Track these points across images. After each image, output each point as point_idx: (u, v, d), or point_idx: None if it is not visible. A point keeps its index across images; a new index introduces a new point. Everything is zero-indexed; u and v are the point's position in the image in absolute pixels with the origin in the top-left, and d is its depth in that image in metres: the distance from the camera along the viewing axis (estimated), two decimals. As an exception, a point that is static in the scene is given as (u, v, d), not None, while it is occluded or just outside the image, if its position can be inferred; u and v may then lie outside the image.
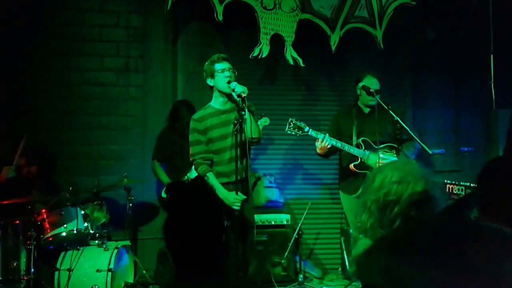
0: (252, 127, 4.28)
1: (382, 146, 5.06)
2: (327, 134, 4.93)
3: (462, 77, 6.82)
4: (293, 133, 4.98)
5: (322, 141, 4.88)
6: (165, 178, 5.67)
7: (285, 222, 5.85)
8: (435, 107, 6.83)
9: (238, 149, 4.28)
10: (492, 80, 6.02)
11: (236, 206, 4.24)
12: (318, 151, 5.01)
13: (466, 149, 6.37)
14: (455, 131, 6.85)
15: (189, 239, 1.92)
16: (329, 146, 4.90)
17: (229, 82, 4.31)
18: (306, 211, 5.88)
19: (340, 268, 6.29)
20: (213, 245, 1.95)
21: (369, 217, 2.07)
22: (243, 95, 4.18)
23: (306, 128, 4.95)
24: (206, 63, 4.46)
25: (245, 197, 4.28)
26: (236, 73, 4.42)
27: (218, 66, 4.36)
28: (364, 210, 2.12)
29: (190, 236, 1.92)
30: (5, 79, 5.84)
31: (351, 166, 5.05)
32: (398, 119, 4.89)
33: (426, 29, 6.77)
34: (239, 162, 4.30)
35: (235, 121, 4.27)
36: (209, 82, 4.43)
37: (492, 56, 6.06)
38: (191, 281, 1.91)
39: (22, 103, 5.98)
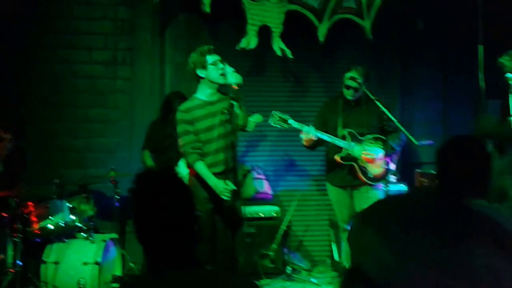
0: (244, 115, 4.41)
1: (367, 137, 5.06)
2: (311, 126, 4.90)
3: (451, 68, 6.82)
4: (278, 125, 4.96)
5: (308, 133, 4.87)
6: None
7: (274, 214, 5.87)
8: (423, 98, 6.85)
9: (227, 139, 4.33)
10: (481, 70, 6.03)
11: (225, 196, 4.26)
12: (303, 143, 5.00)
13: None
14: (443, 122, 6.86)
15: (158, 230, 1.90)
16: (314, 138, 4.89)
17: (222, 75, 4.37)
18: (295, 203, 5.89)
19: (329, 260, 6.31)
20: (184, 235, 1.94)
21: None
22: (238, 85, 4.27)
23: (290, 120, 4.93)
24: (194, 54, 4.45)
25: (235, 187, 4.29)
26: (226, 64, 4.46)
27: (210, 58, 4.39)
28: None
29: (159, 227, 1.90)
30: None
31: (336, 157, 5.03)
32: (385, 110, 4.89)
33: (416, 20, 6.76)
34: (227, 152, 4.33)
35: (225, 111, 4.29)
36: (200, 73, 4.42)
37: (481, 46, 6.06)
38: (163, 273, 1.90)
39: (10, 96, 5.96)
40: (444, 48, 6.74)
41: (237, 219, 4.44)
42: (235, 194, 4.34)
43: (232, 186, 4.26)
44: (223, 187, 4.27)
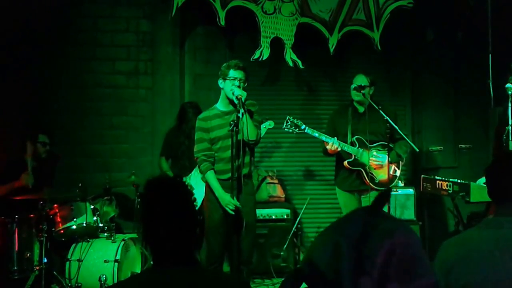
0: (249, 128, 4.47)
1: (375, 144, 5.27)
2: (334, 138, 5.16)
3: (461, 76, 6.97)
4: (290, 130, 5.23)
5: (332, 145, 5.14)
6: (170, 174, 5.96)
7: (285, 217, 6.11)
8: (434, 105, 7.01)
9: (234, 149, 4.46)
10: (490, 79, 6.16)
11: (229, 209, 4.48)
12: (328, 151, 5.26)
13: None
14: (454, 128, 7.01)
15: (161, 232, 2.09)
16: (339, 149, 5.16)
17: (232, 90, 4.53)
18: (305, 206, 6.14)
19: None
20: (185, 237, 2.15)
21: None
22: (239, 97, 4.44)
23: (303, 126, 5.20)
24: (224, 64, 4.66)
25: (239, 205, 4.47)
26: (246, 85, 4.61)
27: (232, 73, 4.56)
28: None
29: (162, 229, 2.09)
30: (24, 82, 6.17)
31: (345, 163, 5.27)
32: (388, 118, 5.06)
33: (426, 30, 6.93)
34: (235, 161, 4.52)
35: (231, 122, 4.49)
36: (220, 83, 4.66)
37: (490, 55, 6.19)
38: (166, 268, 2.10)
39: (40, 105, 6.32)
40: (455, 57, 6.90)
41: (240, 225, 4.64)
42: (246, 201, 4.59)
43: (236, 202, 4.46)
44: (228, 201, 4.48)
